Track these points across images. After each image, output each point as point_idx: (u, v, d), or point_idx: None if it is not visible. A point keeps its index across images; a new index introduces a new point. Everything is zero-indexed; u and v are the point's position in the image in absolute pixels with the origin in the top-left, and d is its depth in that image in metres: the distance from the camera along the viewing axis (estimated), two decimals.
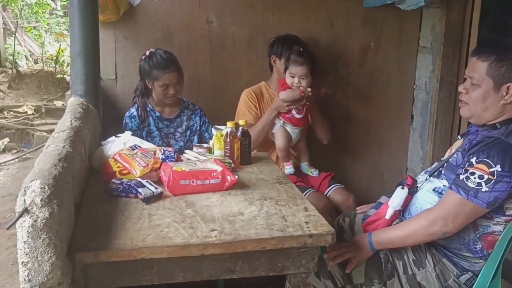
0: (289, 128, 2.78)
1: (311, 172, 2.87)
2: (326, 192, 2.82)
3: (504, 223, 1.82)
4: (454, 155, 1.89)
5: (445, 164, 1.93)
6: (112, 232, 1.46)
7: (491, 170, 1.69)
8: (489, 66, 1.81)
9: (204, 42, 3.13)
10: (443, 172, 1.93)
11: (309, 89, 2.67)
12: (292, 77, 2.69)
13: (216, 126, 2.38)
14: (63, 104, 6.60)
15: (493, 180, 1.69)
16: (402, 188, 1.98)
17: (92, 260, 1.37)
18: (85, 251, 1.36)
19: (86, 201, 1.73)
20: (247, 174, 2.12)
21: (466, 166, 1.76)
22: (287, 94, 2.68)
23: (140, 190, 1.71)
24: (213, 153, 2.27)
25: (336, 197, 2.77)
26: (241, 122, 2.32)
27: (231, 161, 2.15)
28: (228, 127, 2.22)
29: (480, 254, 1.86)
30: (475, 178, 1.71)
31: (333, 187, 2.82)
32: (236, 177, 1.88)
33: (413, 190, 1.99)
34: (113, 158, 1.98)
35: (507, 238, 1.87)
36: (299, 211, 1.67)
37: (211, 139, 2.34)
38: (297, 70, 2.66)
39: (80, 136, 1.86)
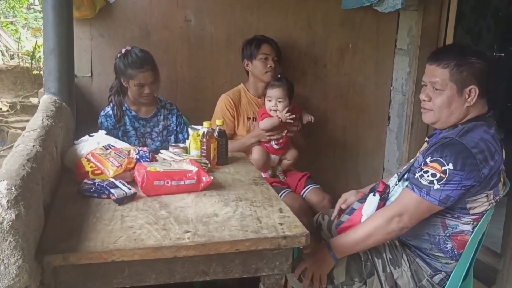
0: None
1: (280, 176, 2.87)
2: (302, 192, 2.83)
3: (471, 222, 1.86)
4: (417, 158, 1.93)
5: (411, 167, 1.96)
6: (82, 234, 1.44)
7: (443, 168, 1.73)
8: (451, 72, 1.83)
9: (182, 41, 3.11)
10: (408, 175, 1.96)
11: (287, 114, 2.68)
12: (270, 100, 2.73)
13: (193, 126, 2.36)
14: (39, 101, 6.48)
15: (445, 178, 1.73)
16: (374, 195, 2.00)
17: (61, 263, 1.34)
18: (54, 254, 1.33)
19: (57, 201, 1.69)
20: (224, 174, 2.10)
21: (421, 165, 1.81)
22: (266, 123, 2.72)
23: (112, 190, 1.69)
24: (190, 153, 2.25)
25: (311, 197, 2.78)
26: (218, 123, 2.30)
27: (207, 162, 2.13)
28: (205, 127, 2.21)
29: (451, 254, 1.89)
30: (428, 176, 1.76)
31: (309, 187, 2.83)
32: (212, 177, 1.86)
33: (384, 196, 2.01)
34: (85, 157, 1.94)
35: (477, 239, 1.90)
36: (274, 212, 1.66)
37: (187, 140, 2.32)
38: (273, 93, 2.71)
39: (52, 135, 1.82)
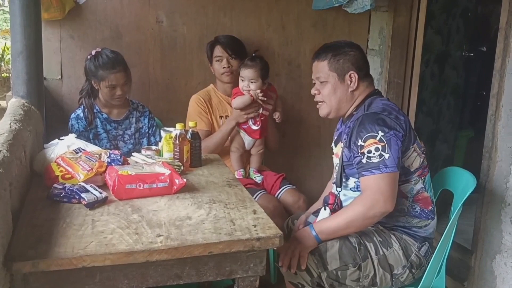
0: (242, 134, 2.80)
1: (255, 177, 2.86)
2: (277, 193, 2.83)
3: (419, 179, 1.99)
4: (343, 155, 2.02)
5: (343, 167, 2.03)
6: (52, 240, 1.41)
7: (378, 138, 1.85)
8: (329, 62, 2.04)
9: (155, 42, 3.08)
10: (345, 174, 2.04)
11: (258, 91, 2.67)
12: (242, 80, 2.71)
13: (165, 128, 2.35)
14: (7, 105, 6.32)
15: (386, 144, 1.84)
16: (325, 209, 2.06)
17: (30, 270, 1.31)
18: (23, 260, 1.30)
19: (26, 207, 1.66)
20: (197, 177, 2.09)
21: (359, 151, 1.89)
22: (238, 101, 2.70)
23: (83, 195, 1.66)
24: (162, 156, 2.23)
25: (287, 198, 2.78)
26: (191, 124, 2.29)
27: (181, 164, 2.12)
28: (178, 129, 2.19)
29: (424, 215, 2.00)
30: (373, 154, 1.84)
31: (285, 188, 2.83)
32: (185, 180, 1.85)
33: (335, 208, 2.05)
34: (55, 162, 1.90)
35: (449, 238, 1.94)
36: (248, 214, 1.66)
37: (159, 143, 2.30)
38: (245, 73, 2.69)
39: (20, 140, 1.78)
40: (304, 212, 2.42)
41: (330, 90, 2.05)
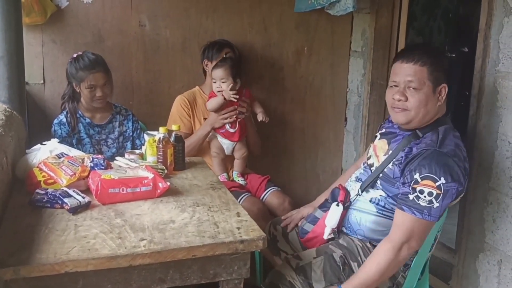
0: (220, 139, 2.81)
1: (239, 180, 2.87)
2: (262, 195, 2.83)
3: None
4: (390, 167, 1.90)
5: (380, 174, 1.94)
6: (34, 246, 1.40)
7: (437, 184, 1.74)
8: (428, 70, 1.85)
9: (137, 46, 3.06)
10: (379, 182, 1.94)
11: (231, 92, 2.68)
12: (214, 82, 2.74)
13: (148, 131, 2.34)
14: None
15: (441, 194, 1.74)
16: (337, 205, 1.99)
17: (12, 276, 1.30)
18: (4, 267, 1.29)
19: (8, 213, 1.65)
20: (181, 180, 2.09)
21: (412, 184, 1.78)
22: (211, 102, 2.74)
23: (66, 200, 1.65)
24: (146, 160, 2.23)
25: (272, 200, 2.79)
26: (174, 127, 2.29)
27: (164, 168, 2.11)
28: (161, 132, 2.19)
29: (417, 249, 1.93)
30: (425, 196, 1.75)
31: (269, 190, 2.84)
32: (168, 183, 1.85)
33: (347, 204, 2.01)
34: (37, 167, 1.89)
35: (433, 236, 1.96)
36: (232, 217, 1.67)
37: (143, 146, 2.29)
38: (215, 73, 2.72)
39: (2, 145, 1.77)
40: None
41: (422, 101, 1.85)
